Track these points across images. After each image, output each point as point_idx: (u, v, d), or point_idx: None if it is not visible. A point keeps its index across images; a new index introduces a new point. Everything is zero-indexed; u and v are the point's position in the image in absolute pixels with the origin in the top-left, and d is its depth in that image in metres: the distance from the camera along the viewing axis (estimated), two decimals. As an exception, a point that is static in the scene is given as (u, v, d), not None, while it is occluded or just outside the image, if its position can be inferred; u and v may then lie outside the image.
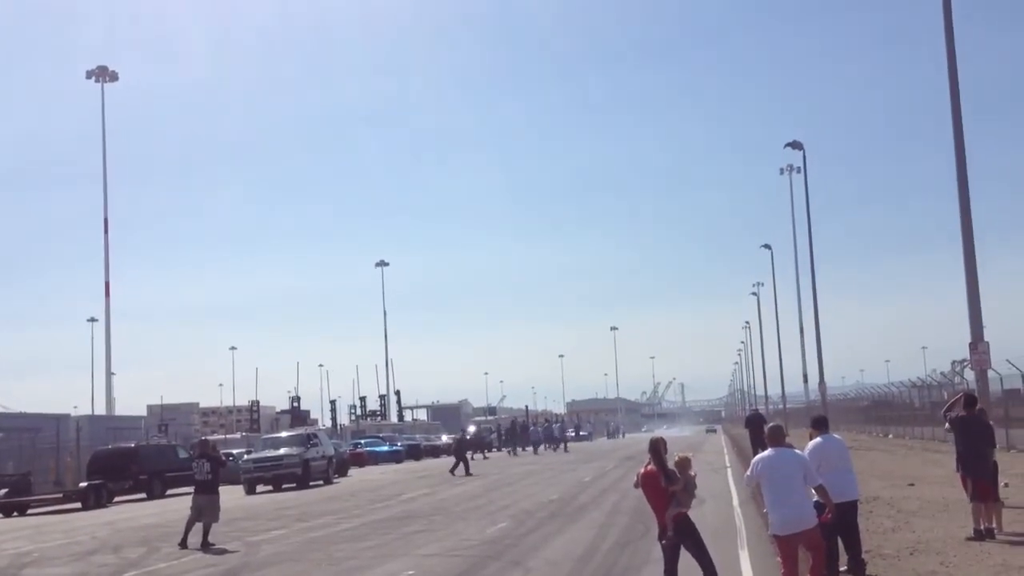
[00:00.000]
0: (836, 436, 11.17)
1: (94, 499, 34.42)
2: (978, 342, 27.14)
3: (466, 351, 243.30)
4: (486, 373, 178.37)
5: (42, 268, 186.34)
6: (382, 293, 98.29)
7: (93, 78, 67.49)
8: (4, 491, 34.81)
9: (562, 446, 66.68)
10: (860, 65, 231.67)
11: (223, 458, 21.84)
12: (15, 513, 33.52)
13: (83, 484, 36.01)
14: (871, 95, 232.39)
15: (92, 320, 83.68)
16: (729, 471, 30.38)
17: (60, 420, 50.02)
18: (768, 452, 9.09)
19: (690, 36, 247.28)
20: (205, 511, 19.52)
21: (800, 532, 8.66)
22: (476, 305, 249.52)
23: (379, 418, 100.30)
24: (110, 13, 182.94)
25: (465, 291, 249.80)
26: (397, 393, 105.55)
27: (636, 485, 10.06)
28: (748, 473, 9.37)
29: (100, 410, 70.01)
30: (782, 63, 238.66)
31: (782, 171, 68.23)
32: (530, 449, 65.30)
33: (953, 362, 36.38)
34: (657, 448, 9.78)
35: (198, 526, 19.31)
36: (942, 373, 39.58)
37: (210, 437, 61.56)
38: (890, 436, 46.08)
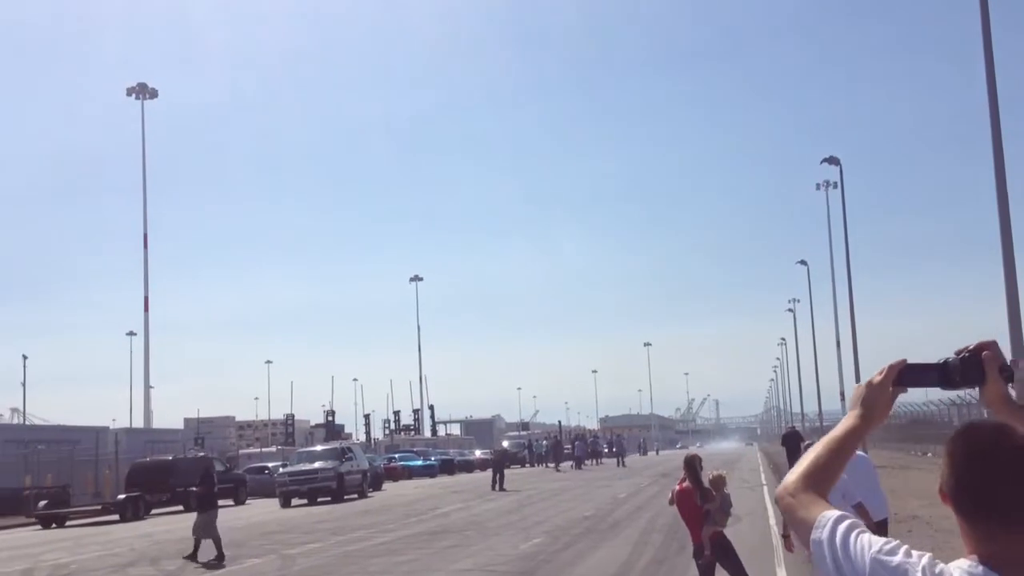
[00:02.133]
0: (862, 453, 11.07)
1: (132, 511, 34.74)
2: (1020, 359, 26.76)
3: (499, 366, 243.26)
4: (519, 388, 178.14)
5: (82, 282, 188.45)
6: (416, 308, 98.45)
7: (133, 95, 68.33)
8: (43, 503, 35.20)
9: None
10: (893, 74, 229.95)
11: None
12: (54, 525, 33.88)
13: (121, 496, 36.35)
14: (903, 104, 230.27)
15: (131, 334, 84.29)
16: (765, 489, 30.18)
17: (99, 432, 50.47)
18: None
19: (727, 49, 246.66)
20: (211, 527, 19.55)
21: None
22: (509, 320, 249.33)
23: (413, 432, 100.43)
24: (146, 28, 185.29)
25: (498, 305, 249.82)
26: (431, 408, 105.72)
27: (671, 502, 10.04)
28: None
29: (138, 423, 70.53)
30: (815, 74, 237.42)
31: (818, 186, 67.62)
32: (561, 464, 65.22)
33: (993, 379, 35.92)
34: (692, 465, 9.76)
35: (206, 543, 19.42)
36: (982, 390, 39.15)
37: (246, 450, 61.77)
38: (929, 455, 45.51)
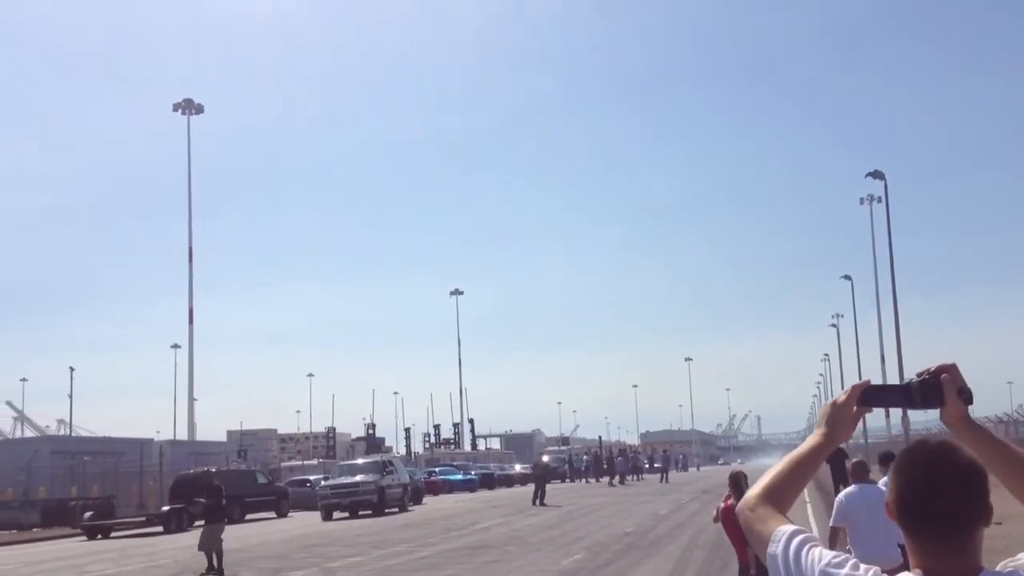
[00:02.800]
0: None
1: (175, 523, 35.04)
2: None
3: (539, 380, 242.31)
4: (559, 402, 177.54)
5: (127, 295, 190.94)
6: (457, 322, 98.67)
7: (179, 111, 69.18)
8: (89, 513, 35.63)
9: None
10: (940, 89, 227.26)
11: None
12: (99, 536, 34.25)
13: (165, 508, 36.69)
14: (952, 121, 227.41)
15: (175, 346, 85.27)
16: (809, 506, 29.85)
17: (144, 445, 51.13)
18: (852, 488, 8.95)
19: (765, 63, 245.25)
20: (216, 540, 19.65)
21: (885, 571, 8.48)
22: (550, 334, 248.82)
23: (453, 446, 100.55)
24: (195, 45, 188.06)
25: (539, 319, 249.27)
26: (471, 421, 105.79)
27: (715, 519, 9.98)
28: (833, 515, 9.11)
29: (182, 435, 71.37)
30: (858, 89, 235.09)
31: (862, 201, 67.01)
32: (602, 479, 65.01)
33: (1041, 397, 35.38)
34: (738, 481, 9.70)
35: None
36: (1030, 408, 38.50)
37: (288, 463, 61.73)
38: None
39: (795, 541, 2.05)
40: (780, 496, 2.19)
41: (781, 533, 2.07)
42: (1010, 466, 2.13)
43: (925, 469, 1.96)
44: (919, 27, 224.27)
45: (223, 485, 21.77)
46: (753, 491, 2.22)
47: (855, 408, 2.22)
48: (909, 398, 2.18)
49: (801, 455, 2.24)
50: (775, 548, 2.06)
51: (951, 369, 2.17)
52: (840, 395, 2.25)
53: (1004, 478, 2.13)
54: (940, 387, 2.15)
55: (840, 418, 2.22)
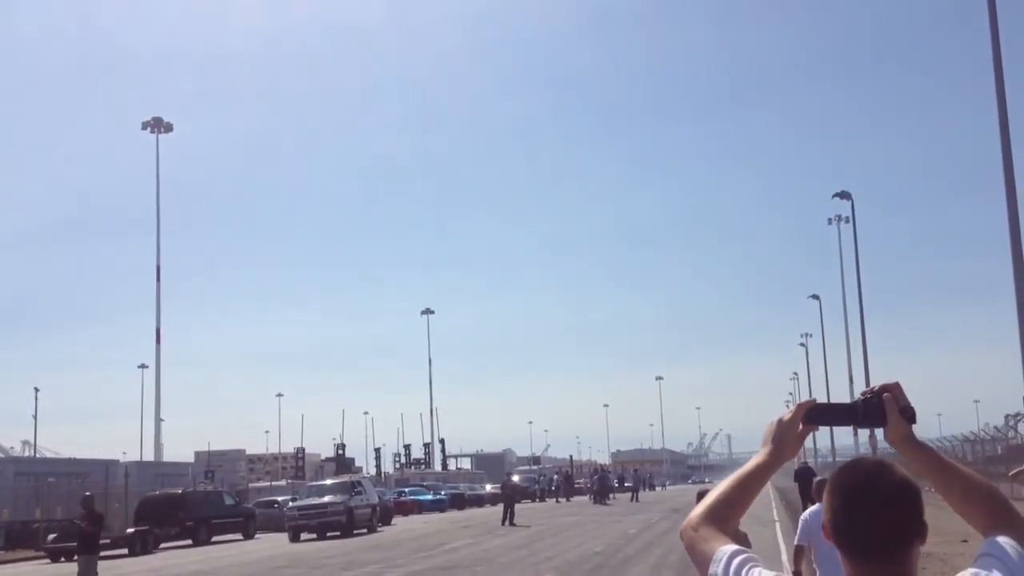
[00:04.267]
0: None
1: (140, 545, 34.59)
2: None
3: (510, 400, 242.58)
4: (530, 422, 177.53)
5: (93, 315, 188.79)
6: (428, 341, 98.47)
7: (148, 129, 68.70)
8: (52, 536, 35.11)
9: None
10: (908, 114, 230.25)
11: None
12: (62, 559, 33.73)
13: (130, 530, 36.23)
14: (919, 144, 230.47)
15: (143, 366, 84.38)
16: (777, 525, 29.94)
17: (109, 466, 50.46)
18: (816, 506, 8.96)
19: (736, 87, 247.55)
20: (93, 574, 18.51)
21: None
22: (521, 354, 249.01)
23: (423, 466, 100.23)
24: (162, 65, 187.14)
25: (510, 340, 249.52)
26: (441, 441, 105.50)
27: (683, 538, 9.95)
28: (798, 533, 9.15)
29: (148, 456, 70.49)
30: (828, 113, 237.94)
31: (830, 221, 67.67)
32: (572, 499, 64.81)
33: (1007, 416, 35.69)
34: (705, 500, 9.68)
35: None
36: (995, 427, 38.84)
37: (256, 484, 60.76)
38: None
39: (735, 561, 2.02)
40: (724, 515, 2.16)
41: (723, 553, 2.04)
42: (954, 485, 2.11)
43: (860, 489, 1.93)
44: (889, 52, 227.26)
45: (101, 511, 19.75)
46: (697, 511, 2.18)
47: (801, 426, 2.20)
48: (853, 417, 2.18)
49: (746, 474, 2.20)
50: (716, 568, 2.04)
51: (894, 388, 2.15)
52: (786, 413, 2.22)
53: (949, 497, 2.11)
54: (883, 406, 2.13)
55: (786, 436, 2.20)
